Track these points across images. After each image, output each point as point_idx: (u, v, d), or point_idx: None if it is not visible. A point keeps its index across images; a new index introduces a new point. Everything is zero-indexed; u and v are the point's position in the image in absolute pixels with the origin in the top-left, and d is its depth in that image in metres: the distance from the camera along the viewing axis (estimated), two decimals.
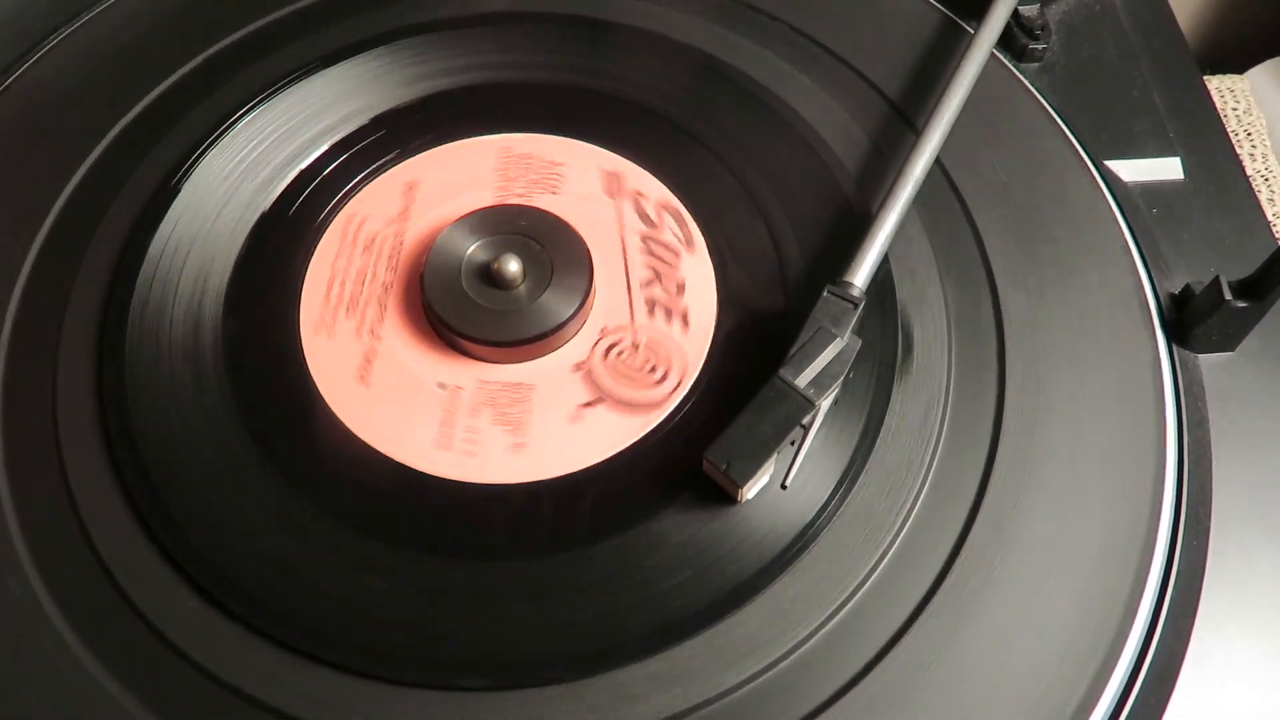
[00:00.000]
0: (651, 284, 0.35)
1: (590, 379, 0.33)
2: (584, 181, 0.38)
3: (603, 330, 0.34)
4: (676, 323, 0.34)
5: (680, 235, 0.36)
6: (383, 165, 0.38)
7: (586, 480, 0.32)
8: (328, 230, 0.37)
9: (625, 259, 0.36)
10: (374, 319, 0.35)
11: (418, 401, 0.33)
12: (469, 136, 0.39)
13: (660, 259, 0.36)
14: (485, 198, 0.38)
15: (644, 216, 0.37)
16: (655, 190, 0.38)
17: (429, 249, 0.35)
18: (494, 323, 0.33)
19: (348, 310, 0.35)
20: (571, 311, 0.34)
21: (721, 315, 0.35)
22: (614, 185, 0.37)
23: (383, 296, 0.35)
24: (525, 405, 0.33)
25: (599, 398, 0.33)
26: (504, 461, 0.32)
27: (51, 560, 0.30)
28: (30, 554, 0.31)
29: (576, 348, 0.35)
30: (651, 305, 0.35)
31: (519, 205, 0.36)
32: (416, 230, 0.37)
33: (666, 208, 0.37)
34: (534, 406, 0.33)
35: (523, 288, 0.34)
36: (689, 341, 0.34)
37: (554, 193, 0.38)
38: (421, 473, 0.32)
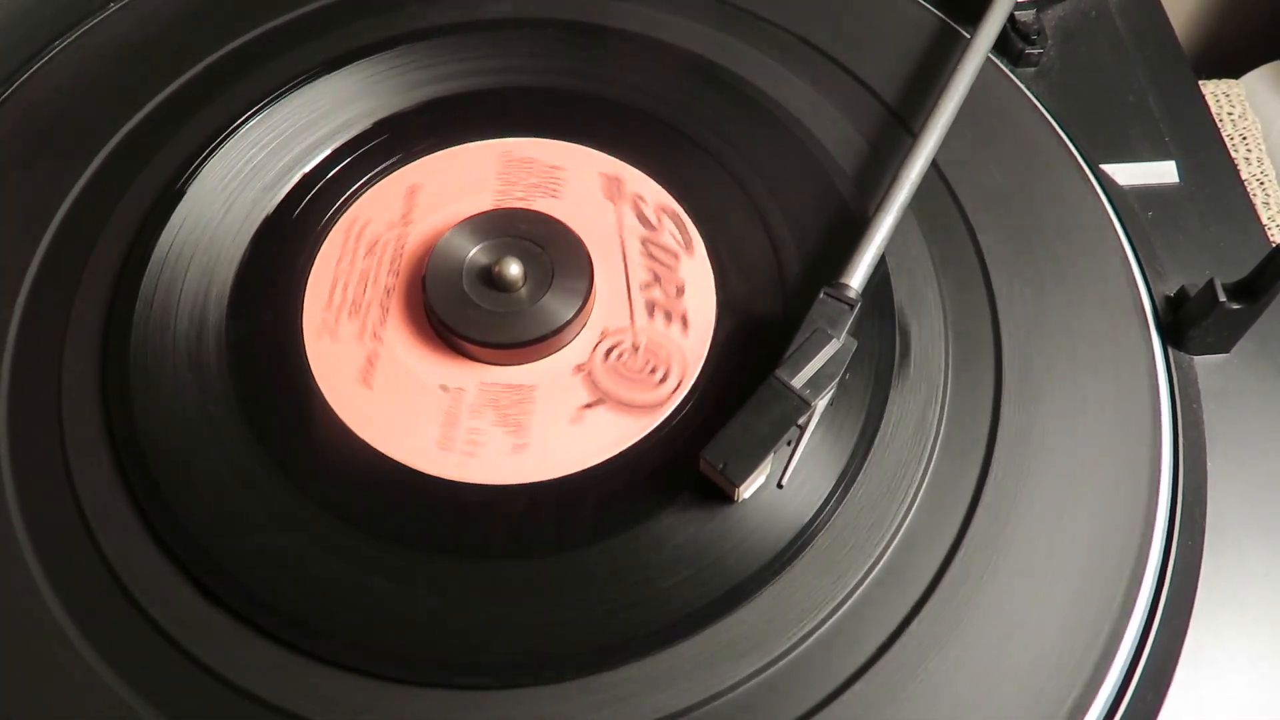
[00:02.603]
0: (651, 286, 0.35)
1: (591, 380, 0.34)
2: (584, 185, 0.38)
3: (603, 332, 0.35)
4: (676, 325, 0.34)
5: (679, 238, 0.37)
6: (385, 169, 0.39)
7: (586, 481, 0.32)
8: (330, 234, 0.37)
9: (625, 261, 0.36)
10: (376, 322, 0.35)
11: (420, 403, 0.34)
12: (470, 141, 0.39)
13: (660, 261, 0.36)
14: (486, 202, 0.38)
15: (643, 219, 0.37)
16: (654, 193, 0.38)
17: (431, 252, 0.35)
18: (495, 325, 0.34)
19: (350, 313, 0.35)
20: (572, 313, 0.34)
21: (720, 316, 0.35)
22: (613, 189, 0.38)
23: (385, 300, 0.36)
24: (527, 406, 0.34)
25: (599, 399, 0.33)
26: (505, 462, 0.32)
27: (56, 560, 0.31)
28: (35, 554, 0.31)
29: (578, 349, 0.35)
30: (651, 307, 0.35)
31: (520, 209, 0.37)
32: (418, 234, 0.37)
33: (665, 211, 0.37)
34: (535, 408, 0.34)
35: (524, 290, 0.34)
36: (689, 343, 0.34)
37: (554, 196, 0.38)
38: (424, 474, 0.32)
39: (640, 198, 0.38)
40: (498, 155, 0.39)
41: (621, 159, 0.39)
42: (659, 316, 0.35)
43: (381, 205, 0.38)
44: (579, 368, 0.34)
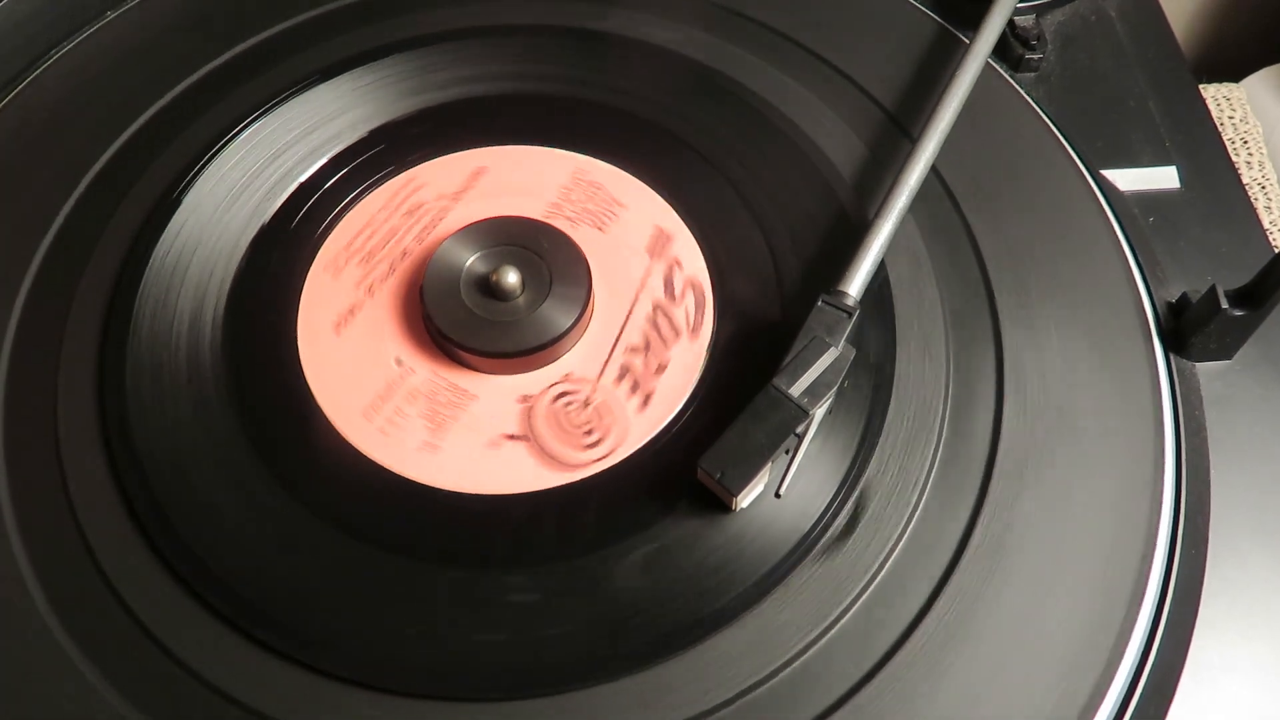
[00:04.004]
0: (637, 352, 0.34)
1: (527, 416, 0.33)
2: (634, 228, 0.37)
3: (567, 375, 0.34)
4: (636, 399, 0.33)
5: (691, 319, 0.35)
6: (382, 177, 0.38)
7: (582, 490, 0.32)
8: (327, 240, 0.37)
9: (629, 316, 0.35)
10: (378, 277, 0.36)
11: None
12: (469, 149, 0.39)
13: (659, 333, 0.35)
14: (538, 208, 0.38)
15: (669, 287, 0.36)
16: (693, 264, 0.36)
17: (429, 260, 0.35)
18: (493, 334, 0.34)
19: (361, 260, 0.36)
20: (568, 325, 0.34)
21: (718, 323, 0.35)
22: (659, 244, 0.36)
23: (396, 261, 0.36)
24: (464, 410, 0.33)
25: (525, 436, 0.33)
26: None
27: (51, 568, 0.31)
28: (29, 561, 0.31)
29: (544, 377, 0.34)
30: (624, 373, 0.34)
31: (520, 218, 0.37)
32: (461, 214, 0.37)
33: (694, 286, 0.35)
34: (474, 415, 0.33)
35: (521, 299, 0.34)
36: (638, 421, 0.33)
37: (600, 229, 0.37)
38: (430, 487, 0.32)
39: (678, 264, 0.36)
40: (571, 168, 0.39)
41: (620, 167, 0.39)
42: (625, 384, 0.34)
43: (444, 175, 0.38)
44: (525, 398, 0.34)
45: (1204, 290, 0.34)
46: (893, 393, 0.33)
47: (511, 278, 0.34)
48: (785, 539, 0.31)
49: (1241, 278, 0.34)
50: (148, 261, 0.36)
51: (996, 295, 0.36)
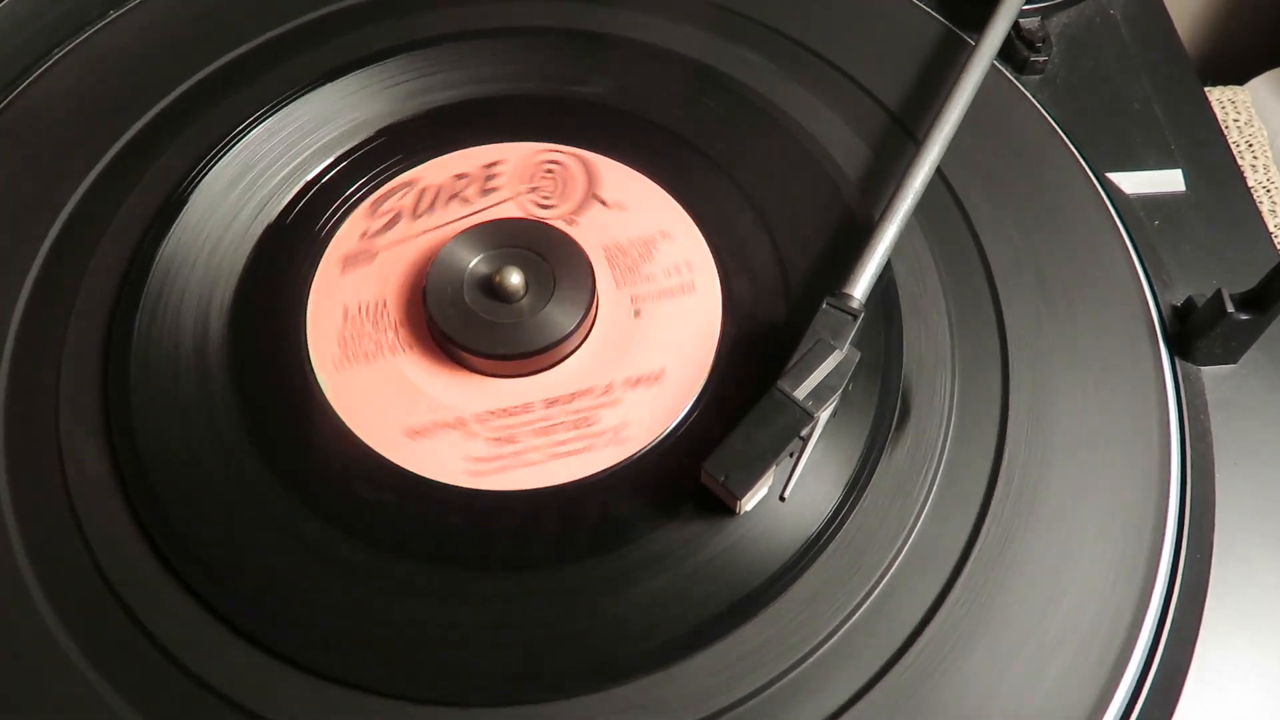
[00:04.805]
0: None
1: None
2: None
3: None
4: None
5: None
6: (386, 177, 0.38)
7: (585, 493, 0.32)
8: (332, 240, 0.37)
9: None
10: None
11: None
12: (470, 148, 0.39)
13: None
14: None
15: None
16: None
17: (431, 263, 0.35)
18: (497, 336, 0.33)
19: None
20: (574, 324, 0.34)
21: (724, 326, 0.35)
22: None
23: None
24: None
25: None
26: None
27: (51, 568, 0.31)
28: (30, 561, 0.31)
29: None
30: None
31: (520, 218, 0.37)
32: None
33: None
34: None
35: (525, 301, 0.34)
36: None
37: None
38: (423, 479, 0.32)
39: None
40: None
41: (627, 165, 0.39)
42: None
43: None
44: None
45: (1209, 294, 0.34)
46: (898, 396, 0.33)
47: (514, 279, 0.34)
48: (789, 543, 0.31)
49: (1247, 281, 0.34)
50: (153, 259, 0.36)
51: (1001, 297, 0.36)
